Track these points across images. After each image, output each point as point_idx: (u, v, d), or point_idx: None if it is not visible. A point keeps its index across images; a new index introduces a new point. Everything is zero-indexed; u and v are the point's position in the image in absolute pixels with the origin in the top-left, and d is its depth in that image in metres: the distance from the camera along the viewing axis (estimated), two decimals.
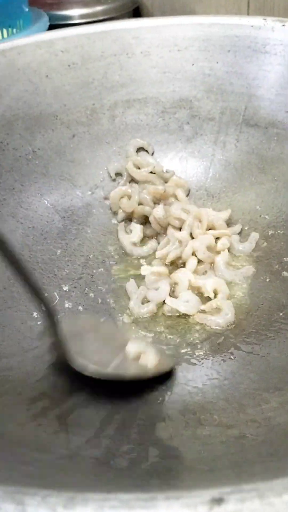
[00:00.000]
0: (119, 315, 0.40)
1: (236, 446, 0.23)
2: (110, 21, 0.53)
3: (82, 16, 0.80)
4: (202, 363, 0.35)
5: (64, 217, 0.49)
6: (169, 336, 0.38)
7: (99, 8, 0.81)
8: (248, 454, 0.21)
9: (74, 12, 0.80)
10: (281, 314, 0.38)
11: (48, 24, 0.67)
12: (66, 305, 0.42)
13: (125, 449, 0.25)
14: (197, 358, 0.36)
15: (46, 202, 0.49)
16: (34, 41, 0.50)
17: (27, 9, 0.67)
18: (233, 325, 0.38)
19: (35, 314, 0.40)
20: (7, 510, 0.14)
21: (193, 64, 0.50)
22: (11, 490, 0.15)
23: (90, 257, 0.46)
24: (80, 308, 0.41)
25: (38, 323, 0.40)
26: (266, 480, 0.15)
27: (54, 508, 0.14)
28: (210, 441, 0.25)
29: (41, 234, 0.47)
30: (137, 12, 0.90)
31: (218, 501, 0.14)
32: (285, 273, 0.41)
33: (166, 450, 0.24)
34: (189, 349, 0.37)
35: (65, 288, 0.43)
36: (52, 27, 0.69)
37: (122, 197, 0.49)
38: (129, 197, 0.49)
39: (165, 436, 0.26)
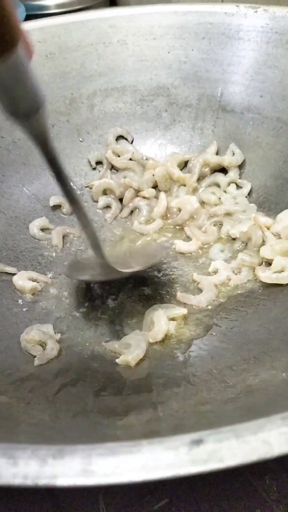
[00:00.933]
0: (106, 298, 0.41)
1: (218, 410, 0.24)
2: (86, 10, 0.54)
3: (58, 6, 0.80)
4: (186, 339, 0.36)
5: (46, 206, 0.49)
6: None
7: None
8: (228, 412, 0.22)
9: (50, 1, 0.80)
10: (259, 291, 0.39)
11: (24, 14, 0.67)
12: (51, 291, 0.42)
13: (113, 419, 0.26)
14: (181, 335, 0.37)
15: (27, 191, 0.49)
16: None
17: None
18: (215, 303, 0.39)
19: (20, 301, 0.41)
20: None
21: (169, 52, 0.51)
22: (2, 446, 0.16)
23: (73, 243, 0.47)
24: (65, 293, 0.42)
25: (24, 309, 0.40)
26: (242, 423, 0.16)
27: (44, 459, 0.15)
28: (193, 408, 0.26)
29: (24, 223, 0.48)
30: (113, 1, 0.90)
31: (197, 442, 0.15)
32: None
33: (152, 415, 0.25)
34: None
35: (49, 275, 0.44)
36: (28, 17, 0.69)
37: (104, 188, 0.50)
38: (111, 190, 0.50)
39: (150, 405, 0.27)
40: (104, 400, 0.29)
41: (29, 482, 0.14)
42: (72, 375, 0.34)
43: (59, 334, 0.38)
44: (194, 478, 0.30)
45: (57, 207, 0.49)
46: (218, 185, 0.49)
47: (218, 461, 0.15)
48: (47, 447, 0.16)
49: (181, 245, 0.44)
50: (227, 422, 0.16)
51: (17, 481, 0.14)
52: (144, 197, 0.49)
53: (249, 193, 0.47)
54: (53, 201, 0.49)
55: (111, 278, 0.38)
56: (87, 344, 0.37)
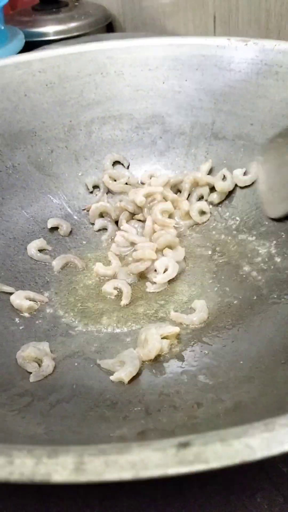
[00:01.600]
0: (100, 317, 0.42)
1: (208, 423, 0.25)
2: (84, 36, 0.56)
3: (57, 33, 0.82)
4: (178, 357, 0.37)
5: (44, 228, 0.51)
6: None
7: (73, 24, 0.83)
8: (218, 425, 0.23)
9: (49, 29, 0.83)
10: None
11: (24, 41, 0.70)
12: (48, 311, 0.43)
13: (107, 432, 0.27)
14: (173, 353, 0.38)
15: (26, 214, 0.51)
16: (12, 62, 0.52)
17: (2, 27, 0.70)
18: (207, 322, 0.40)
19: (17, 319, 0.42)
20: None
21: (163, 82, 0.54)
22: (0, 446, 0.17)
23: (70, 264, 0.48)
24: (61, 312, 0.43)
25: (20, 328, 0.41)
26: (226, 428, 0.17)
27: (39, 457, 0.16)
28: (185, 422, 0.27)
29: (22, 244, 0.49)
30: (110, 28, 0.93)
31: (185, 445, 0.16)
32: (254, 273, 0.44)
33: (144, 427, 0.26)
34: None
35: (46, 294, 0.45)
36: (28, 43, 0.72)
37: (101, 211, 0.51)
38: (107, 212, 0.51)
39: (142, 419, 0.28)
40: (98, 415, 0.30)
41: (25, 478, 0.15)
42: (66, 392, 0.35)
43: (55, 352, 0.39)
44: (185, 497, 0.31)
45: (54, 228, 0.51)
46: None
47: (204, 463, 0.16)
48: (42, 447, 0.17)
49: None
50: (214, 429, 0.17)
51: (14, 477, 0.15)
52: (139, 220, 0.50)
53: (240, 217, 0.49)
54: (51, 223, 0.50)
55: None
56: (82, 361, 0.38)
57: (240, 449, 0.16)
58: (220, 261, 0.46)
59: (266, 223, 0.46)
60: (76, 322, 0.42)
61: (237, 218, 0.49)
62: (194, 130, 0.53)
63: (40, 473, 0.16)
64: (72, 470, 0.16)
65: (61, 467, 0.16)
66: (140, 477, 0.15)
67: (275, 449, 0.16)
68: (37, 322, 0.42)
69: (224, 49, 0.51)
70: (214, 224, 0.50)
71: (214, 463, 0.16)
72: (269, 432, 0.17)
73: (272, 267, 0.43)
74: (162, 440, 0.16)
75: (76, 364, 0.38)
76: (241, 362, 0.35)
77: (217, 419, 0.26)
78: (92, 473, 0.15)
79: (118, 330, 0.41)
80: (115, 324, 0.41)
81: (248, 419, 0.24)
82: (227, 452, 0.16)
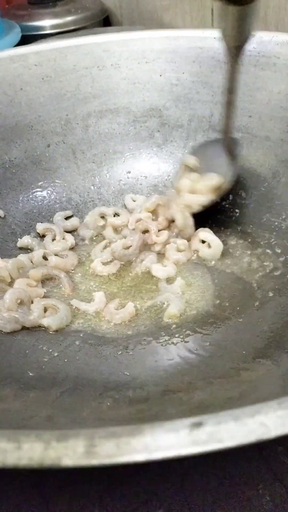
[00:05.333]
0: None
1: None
2: (80, 30, 0.55)
3: (53, 27, 0.82)
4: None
5: (41, 222, 0.50)
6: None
7: (69, 18, 0.83)
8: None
9: (46, 22, 0.82)
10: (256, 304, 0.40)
11: (20, 34, 0.69)
12: None
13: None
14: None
15: (23, 209, 0.50)
16: (8, 56, 0.52)
17: None
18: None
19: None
20: (4, 448, 0.16)
21: (161, 75, 0.53)
22: (6, 432, 0.16)
23: None
24: None
25: None
26: (239, 407, 0.16)
27: (48, 442, 0.16)
28: (192, 412, 0.26)
29: (20, 239, 0.48)
30: (106, 21, 0.93)
31: (197, 425, 0.15)
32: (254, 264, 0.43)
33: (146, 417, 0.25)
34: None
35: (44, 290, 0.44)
36: (24, 37, 0.71)
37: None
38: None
39: (148, 411, 0.28)
40: (103, 409, 0.30)
41: (34, 463, 0.15)
42: (69, 385, 0.34)
43: None
44: (188, 487, 0.31)
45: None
46: None
47: (218, 442, 0.15)
48: (50, 432, 0.16)
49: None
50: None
51: (23, 462, 0.15)
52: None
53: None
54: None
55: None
56: (85, 355, 0.37)
57: (254, 428, 0.15)
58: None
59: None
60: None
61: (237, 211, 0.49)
62: (192, 123, 0.53)
63: (49, 457, 0.15)
64: (83, 453, 0.15)
65: (71, 451, 0.15)
66: (153, 459, 0.15)
67: None
68: None
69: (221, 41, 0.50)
70: None
71: (229, 442, 0.15)
72: (283, 410, 0.16)
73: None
74: (175, 421, 0.16)
75: (78, 357, 0.37)
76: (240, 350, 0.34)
77: (223, 403, 0.26)
78: (103, 456, 0.15)
79: None
80: None
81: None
82: (242, 431, 0.15)
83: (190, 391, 0.31)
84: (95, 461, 0.15)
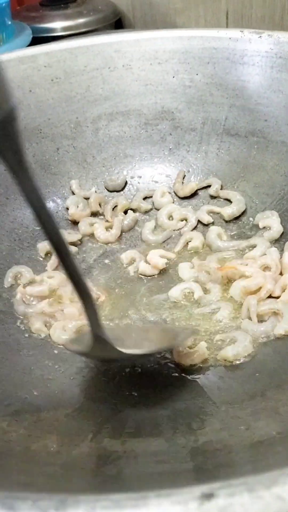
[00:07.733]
0: None
1: (223, 455, 0.23)
2: (92, 33, 0.54)
3: (64, 29, 0.80)
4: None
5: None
6: None
7: (81, 20, 0.81)
8: (235, 456, 0.22)
9: (57, 24, 0.81)
10: None
11: (31, 36, 0.68)
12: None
13: (113, 456, 0.25)
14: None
15: (31, 215, 0.49)
16: (17, 57, 0.50)
17: (10, 22, 0.68)
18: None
19: (21, 326, 0.41)
20: None
21: (173, 76, 0.51)
22: (1, 495, 0.15)
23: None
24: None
25: (25, 335, 0.40)
26: (254, 475, 0.15)
27: (46, 510, 0.14)
28: (197, 449, 0.25)
29: (28, 246, 0.48)
30: (119, 24, 0.91)
31: (208, 496, 0.14)
32: None
33: (154, 456, 0.24)
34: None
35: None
36: (35, 39, 0.70)
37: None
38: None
39: (154, 444, 0.26)
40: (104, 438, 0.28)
41: None
42: (72, 408, 0.33)
43: None
44: None
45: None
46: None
47: None
48: (48, 496, 0.15)
49: None
50: (238, 472, 0.15)
51: None
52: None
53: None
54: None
55: (106, 357, 0.31)
56: (89, 377, 0.36)
57: (270, 502, 0.14)
58: None
59: None
60: None
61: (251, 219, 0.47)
62: (205, 126, 0.51)
63: None
64: None
65: None
66: None
67: None
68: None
69: (236, 41, 0.48)
70: None
71: None
72: None
73: None
74: (183, 490, 0.14)
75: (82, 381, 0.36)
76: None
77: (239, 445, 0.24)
78: None
79: None
80: None
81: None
82: (257, 505, 0.14)
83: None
84: None
